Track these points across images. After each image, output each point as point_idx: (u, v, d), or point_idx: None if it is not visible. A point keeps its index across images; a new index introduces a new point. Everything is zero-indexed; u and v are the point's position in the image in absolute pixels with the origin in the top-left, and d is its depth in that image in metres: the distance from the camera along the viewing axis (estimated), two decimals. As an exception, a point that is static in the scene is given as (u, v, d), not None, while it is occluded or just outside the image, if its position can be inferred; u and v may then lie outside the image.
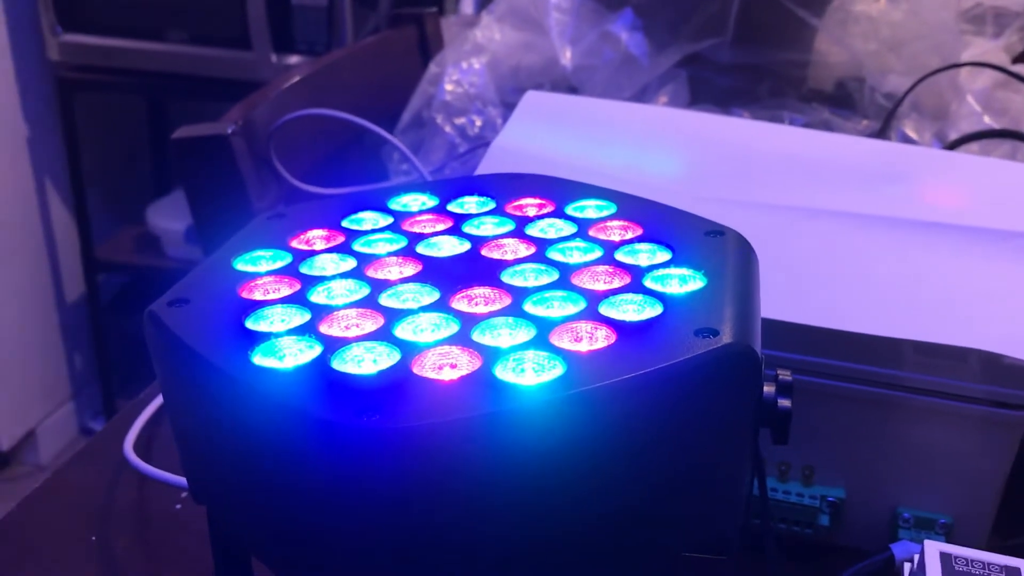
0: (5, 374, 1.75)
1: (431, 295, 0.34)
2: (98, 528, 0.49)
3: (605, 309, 0.33)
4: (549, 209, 0.42)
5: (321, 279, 0.36)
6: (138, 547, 0.48)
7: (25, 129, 1.74)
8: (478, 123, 0.85)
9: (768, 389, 0.33)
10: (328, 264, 0.37)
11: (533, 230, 0.40)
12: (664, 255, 0.37)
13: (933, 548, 0.38)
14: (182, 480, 0.48)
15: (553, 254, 0.37)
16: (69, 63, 1.66)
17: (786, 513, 0.48)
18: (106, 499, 0.51)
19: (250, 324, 0.33)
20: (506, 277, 0.36)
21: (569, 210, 0.41)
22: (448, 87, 0.87)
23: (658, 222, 0.39)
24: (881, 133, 0.81)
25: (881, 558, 0.44)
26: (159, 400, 0.56)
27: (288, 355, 0.31)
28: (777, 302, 0.41)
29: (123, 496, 0.51)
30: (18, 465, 1.88)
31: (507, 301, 0.34)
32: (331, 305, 0.34)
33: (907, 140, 0.81)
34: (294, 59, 1.55)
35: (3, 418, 1.77)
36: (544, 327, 0.32)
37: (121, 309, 1.94)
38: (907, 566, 0.42)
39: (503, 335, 0.32)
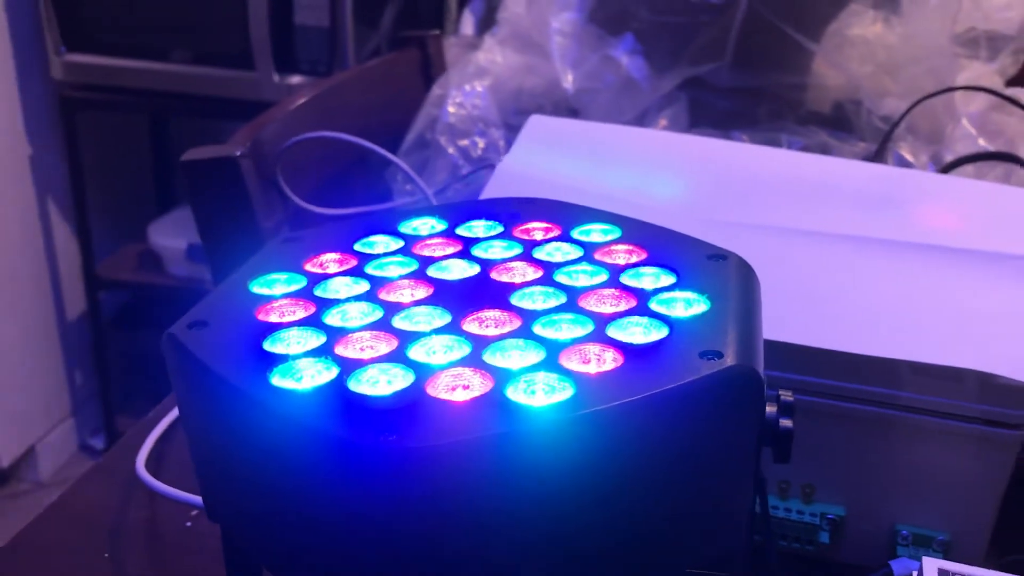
0: (6, 391, 1.76)
1: (443, 318, 0.35)
2: (111, 545, 0.49)
3: (612, 331, 0.34)
4: (555, 233, 0.43)
5: (335, 302, 0.37)
6: (150, 564, 0.49)
7: (28, 147, 1.75)
8: (481, 145, 0.87)
9: (770, 409, 0.35)
10: (342, 287, 0.38)
11: (540, 253, 0.41)
12: (668, 279, 0.38)
13: (931, 564, 0.39)
14: (193, 498, 0.49)
15: (560, 277, 0.38)
16: (72, 82, 1.67)
17: (787, 530, 0.49)
18: (118, 516, 0.51)
19: (268, 346, 0.34)
20: (515, 300, 0.37)
21: (575, 234, 0.42)
22: (451, 109, 0.88)
23: (662, 246, 0.40)
24: (877, 155, 0.82)
25: (880, 575, 0.45)
26: (169, 418, 0.57)
27: (306, 376, 0.32)
28: (775, 323, 0.42)
29: (135, 513, 0.52)
30: (17, 482, 1.88)
31: (517, 323, 0.35)
32: (346, 327, 0.35)
33: (903, 162, 0.82)
34: (296, 79, 1.56)
35: (3, 435, 1.77)
36: (553, 349, 0.33)
37: (122, 327, 1.95)
38: (906, 582, 0.43)
39: (513, 357, 0.33)
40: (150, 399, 0.64)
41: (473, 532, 0.30)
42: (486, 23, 1.37)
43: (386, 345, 0.34)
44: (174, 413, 0.58)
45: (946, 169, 0.79)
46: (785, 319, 0.46)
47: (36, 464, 1.88)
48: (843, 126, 0.88)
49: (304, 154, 0.82)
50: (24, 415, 1.82)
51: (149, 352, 1.92)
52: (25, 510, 1.80)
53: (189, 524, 0.51)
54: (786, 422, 0.35)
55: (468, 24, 1.49)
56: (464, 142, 0.87)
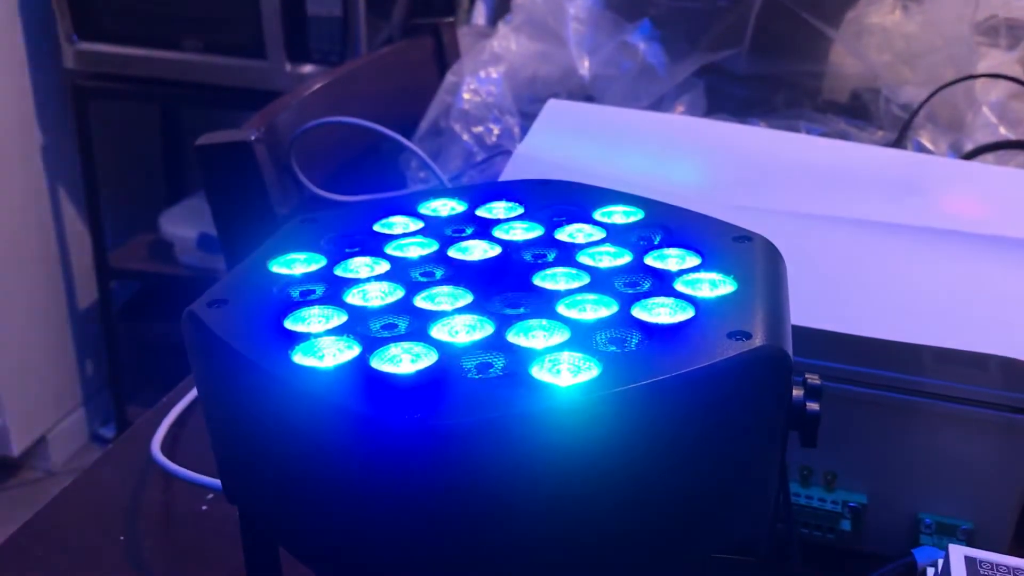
0: (17, 380, 1.76)
1: (464, 297, 0.35)
2: (126, 528, 0.49)
3: (638, 312, 0.33)
4: (577, 214, 0.42)
5: (356, 281, 0.36)
6: (166, 547, 0.48)
7: (40, 136, 1.75)
8: (495, 132, 0.86)
9: (797, 393, 0.34)
10: (362, 267, 0.38)
11: (562, 235, 0.40)
12: (693, 260, 0.37)
13: (958, 552, 0.39)
14: (210, 480, 0.49)
15: (583, 258, 0.38)
16: (84, 71, 1.67)
17: (808, 518, 0.48)
18: (134, 499, 0.51)
19: (289, 324, 0.33)
20: (538, 280, 0.36)
21: (597, 215, 0.42)
22: (466, 96, 0.88)
23: (686, 227, 0.40)
24: (897, 144, 0.81)
25: (903, 563, 0.45)
26: (184, 402, 0.57)
27: (328, 354, 0.31)
28: (797, 308, 0.42)
29: (150, 496, 0.52)
30: (28, 471, 1.88)
31: (540, 304, 0.34)
32: (367, 307, 0.35)
33: (923, 151, 0.81)
34: (308, 68, 1.56)
35: (14, 424, 1.78)
36: (578, 329, 0.32)
37: (133, 316, 1.95)
38: (930, 571, 0.43)
39: (538, 337, 0.32)
40: (161, 389, 0.64)
41: (497, 511, 0.30)
42: (498, 12, 1.37)
43: (408, 324, 0.33)
44: (188, 398, 0.58)
45: (967, 157, 0.78)
46: (807, 304, 0.46)
47: (47, 453, 1.88)
48: (861, 114, 0.88)
49: (317, 141, 0.81)
50: (35, 404, 1.82)
51: (160, 342, 1.92)
52: (35, 499, 1.80)
53: (205, 508, 0.50)
54: (813, 405, 0.34)
55: (480, 13, 1.49)
56: (478, 129, 0.86)
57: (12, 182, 1.70)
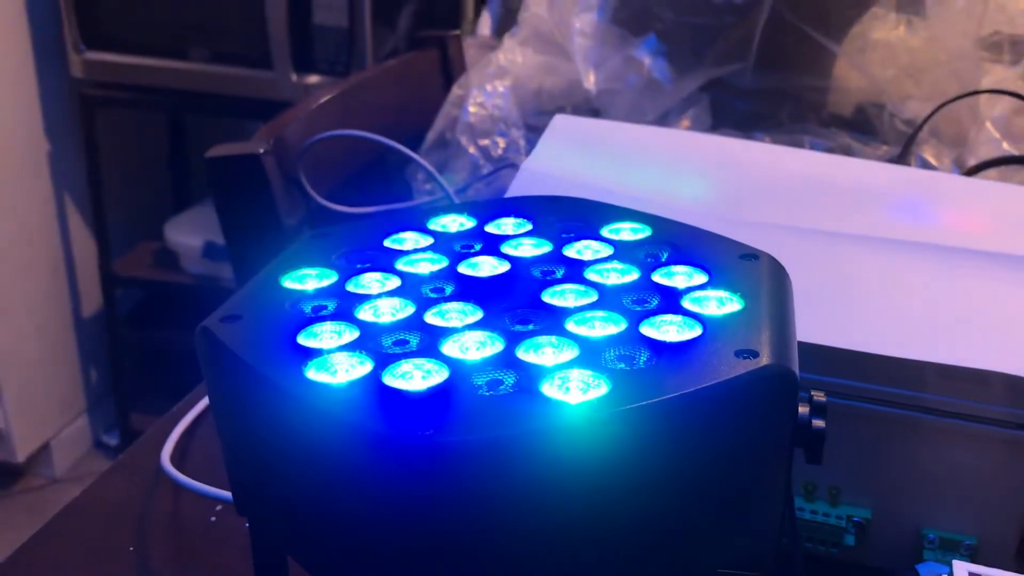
0: (22, 386, 1.77)
1: (475, 314, 0.35)
2: (136, 539, 0.49)
3: (646, 329, 0.34)
4: (586, 231, 0.42)
5: (367, 297, 0.37)
6: (176, 558, 0.49)
7: (47, 144, 1.76)
8: (501, 145, 0.87)
9: (803, 410, 0.34)
10: (373, 283, 0.38)
11: (570, 251, 0.41)
12: (701, 277, 0.38)
13: (961, 568, 0.39)
14: (218, 492, 0.49)
15: (591, 275, 0.38)
16: (91, 80, 1.68)
17: (812, 532, 0.49)
18: (142, 511, 0.52)
19: (302, 340, 0.34)
20: (547, 297, 0.37)
21: (605, 232, 0.42)
22: (472, 109, 0.88)
23: (693, 245, 0.40)
24: (901, 158, 0.82)
25: (907, 578, 0.45)
26: (193, 412, 0.57)
27: (340, 370, 0.32)
28: (802, 324, 0.42)
29: (159, 507, 0.52)
30: (32, 477, 1.89)
31: (549, 321, 0.35)
32: (378, 323, 0.35)
33: (926, 166, 0.82)
34: (314, 79, 1.56)
35: (18, 430, 1.78)
36: (587, 346, 0.33)
37: (138, 324, 1.96)
38: (933, 586, 0.43)
39: (547, 354, 0.33)
40: (165, 396, 0.64)
41: (506, 527, 0.30)
42: (503, 24, 1.37)
43: (419, 340, 0.34)
44: (197, 409, 0.58)
45: (970, 173, 0.78)
46: (811, 320, 0.46)
47: (51, 460, 1.88)
48: (865, 129, 0.88)
49: (325, 152, 0.82)
50: (39, 411, 1.83)
51: (164, 350, 1.92)
52: (39, 505, 1.81)
53: (214, 519, 0.51)
54: (818, 423, 0.35)
55: (485, 25, 1.49)
56: (485, 142, 0.87)
57: (19, 190, 1.71)
